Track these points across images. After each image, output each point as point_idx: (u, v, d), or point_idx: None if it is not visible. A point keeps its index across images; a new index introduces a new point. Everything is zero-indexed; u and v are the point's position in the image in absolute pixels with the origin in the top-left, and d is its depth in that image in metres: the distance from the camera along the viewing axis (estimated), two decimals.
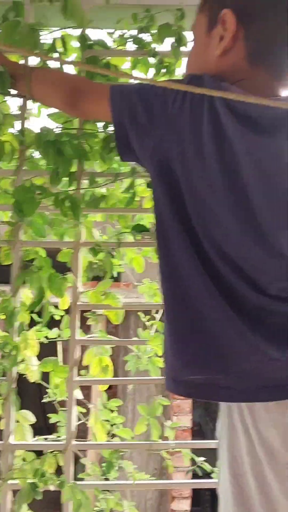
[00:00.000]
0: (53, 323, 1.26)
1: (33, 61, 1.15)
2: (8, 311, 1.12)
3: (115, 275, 1.24)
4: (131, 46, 1.23)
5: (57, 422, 1.25)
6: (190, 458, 1.31)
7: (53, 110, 1.16)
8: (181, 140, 0.74)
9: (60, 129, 1.16)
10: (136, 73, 1.24)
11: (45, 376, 1.23)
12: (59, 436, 1.21)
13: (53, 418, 1.26)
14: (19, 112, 1.19)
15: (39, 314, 1.17)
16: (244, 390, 0.71)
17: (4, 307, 1.12)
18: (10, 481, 1.11)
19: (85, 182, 1.20)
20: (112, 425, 1.25)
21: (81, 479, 1.23)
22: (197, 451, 1.30)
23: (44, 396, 1.27)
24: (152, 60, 1.22)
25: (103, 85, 0.94)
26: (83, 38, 1.17)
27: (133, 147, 0.81)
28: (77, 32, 1.19)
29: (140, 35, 1.20)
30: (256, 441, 0.71)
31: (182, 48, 1.18)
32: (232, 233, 0.73)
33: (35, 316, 1.20)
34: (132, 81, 1.17)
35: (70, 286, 1.17)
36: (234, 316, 0.71)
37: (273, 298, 0.72)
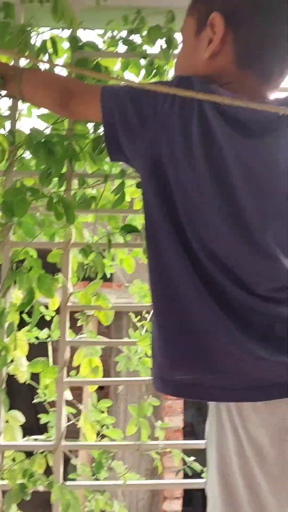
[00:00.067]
0: (44, 324, 1.26)
1: (24, 62, 1.15)
2: None
3: (107, 275, 1.24)
4: (122, 48, 1.24)
5: (48, 422, 1.25)
6: (181, 458, 1.31)
7: (43, 110, 1.16)
8: (171, 141, 0.75)
9: (50, 129, 1.16)
10: (127, 74, 1.24)
11: (37, 376, 1.23)
12: (49, 437, 1.21)
13: (43, 418, 1.26)
14: (9, 112, 1.19)
15: (30, 314, 1.17)
16: (232, 389, 0.71)
17: None
18: None
19: (75, 183, 1.20)
20: (102, 426, 1.25)
21: (72, 480, 1.23)
22: (190, 452, 1.30)
23: (35, 396, 1.27)
24: (143, 61, 1.22)
25: (94, 86, 0.94)
26: (73, 39, 1.17)
27: (123, 148, 0.81)
28: (68, 33, 1.19)
29: (131, 37, 1.20)
30: (245, 441, 0.72)
31: (172, 50, 1.18)
32: (220, 234, 0.74)
33: (25, 317, 1.20)
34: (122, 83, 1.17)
35: (60, 286, 1.17)
36: (223, 316, 0.71)
37: (262, 298, 0.73)
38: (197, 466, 1.28)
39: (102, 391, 4.28)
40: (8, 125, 1.19)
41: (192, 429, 4.53)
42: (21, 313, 1.17)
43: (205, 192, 0.74)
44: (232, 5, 0.76)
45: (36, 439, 1.21)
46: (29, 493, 1.08)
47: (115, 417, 1.28)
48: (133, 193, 1.24)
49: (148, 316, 1.32)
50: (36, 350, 1.31)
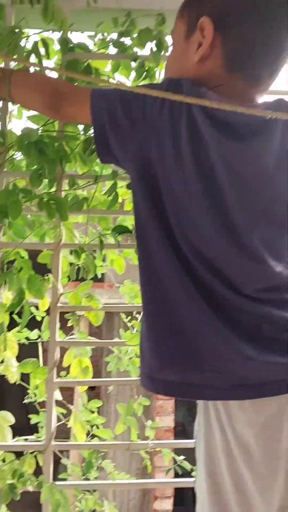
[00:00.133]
0: (36, 324, 1.27)
1: (14, 63, 1.15)
2: None
3: (98, 276, 1.25)
4: (112, 50, 1.24)
5: (38, 422, 1.25)
6: (172, 457, 1.32)
7: (33, 112, 1.16)
8: (160, 144, 0.76)
9: (41, 131, 1.16)
10: (117, 76, 1.25)
11: (28, 377, 1.23)
12: (39, 437, 1.21)
13: (34, 418, 1.26)
14: (0, 114, 1.19)
15: (20, 315, 1.17)
16: (220, 388, 0.72)
17: None
18: None
19: (67, 185, 1.21)
20: (92, 426, 1.26)
21: (63, 480, 1.24)
22: (180, 451, 1.31)
23: (25, 397, 1.27)
24: (133, 63, 1.23)
25: (84, 89, 0.95)
26: (64, 41, 1.17)
27: (113, 150, 0.82)
28: (59, 35, 1.19)
29: (121, 39, 1.21)
30: (232, 440, 0.73)
31: (162, 53, 1.19)
32: (208, 235, 0.75)
33: (16, 317, 1.20)
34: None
35: (51, 287, 1.17)
36: (212, 316, 0.72)
37: (249, 298, 0.74)
38: (188, 465, 1.29)
39: (94, 391, 4.28)
40: None
41: (183, 429, 4.55)
42: (11, 313, 1.17)
43: (193, 195, 0.74)
44: (221, 10, 0.77)
45: (26, 439, 1.21)
46: (18, 494, 1.08)
47: (106, 417, 1.29)
48: (123, 194, 1.25)
49: (139, 317, 1.33)
50: (27, 351, 1.31)
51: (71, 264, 1.23)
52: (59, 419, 1.24)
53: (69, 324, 1.26)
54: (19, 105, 1.20)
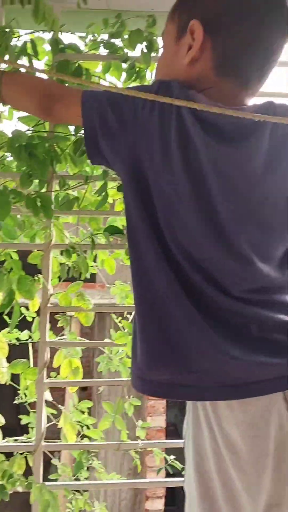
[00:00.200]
0: (26, 325, 1.27)
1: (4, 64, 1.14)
2: None
3: (88, 276, 1.25)
4: (103, 50, 1.24)
5: (29, 423, 1.25)
6: (163, 457, 1.33)
7: (24, 113, 1.16)
8: (150, 145, 0.76)
9: (31, 131, 1.16)
10: (108, 77, 1.25)
11: (18, 377, 1.23)
12: (29, 438, 1.21)
13: (24, 419, 1.26)
14: None
15: (10, 315, 1.17)
16: (206, 389, 0.73)
17: None
18: None
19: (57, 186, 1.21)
20: (82, 426, 1.26)
21: (54, 480, 1.24)
22: (172, 451, 1.31)
23: (16, 397, 1.27)
24: (124, 64, 1.23)
25: (75, 90, 0.94)
26: (54, 42, 1.17)
27: (103, 152, 0.82)
28: (50, 35, 1.19)
29: (112, 40, 1.21)
30: (220, 439, 0.74)
31: (153, 54, 1.19)
32: (197, 237, 0.75)
33: (6, 318, 1.20)
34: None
35: (41, 288, 1.17)
36: (199, 317, 0.73)
37: (238, 299, 0.75)
38: (179, 465, 1.29)
39: (86, 392, 4.28)
40: None
41: (175, 429, 4.56)
42: (1, 314, 1.17)
43: (182, 197, 0.75)
44: (211, 13, 0.78)
45: (16, 440, 1.21)
46: (8, 494, 1.08)
47: (98, 418, 1.29)
48: (114, 194, 1.25)
49: (130, 317, 1.33)
50: (18, 351, 1.31)
51: (61, 264, 1.23)
52: (50, 420, 1.24)
53: (59, 324, 1.26)
54: (9, 106, 1.20)
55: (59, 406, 1.28)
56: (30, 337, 1.27)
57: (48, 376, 1.22)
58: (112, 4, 1.21)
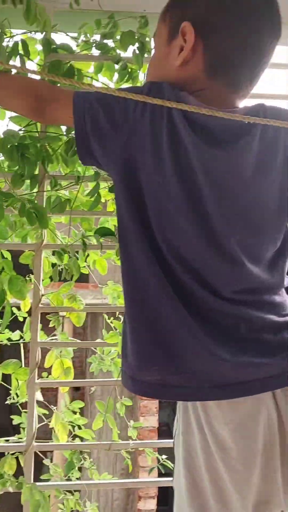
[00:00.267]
0: (17, 325, 1.27)
1: None
2: None
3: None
4: (95, 51, 1.24)
5: (21, 423, 1.25)
6: (155, 457, 1.33)
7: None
8: (142, 147, 0.76)
9: (23, 131, 1.16)
10: (100, 77, 1.25)
11: (10, 377, 1.23)
12: (20, 438, 1.21)
13: (16, 419, 1.26)
14: None
15: (1, 315, 1.17)
16: (197, 389, 0.74)
17: None
18: None
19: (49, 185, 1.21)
20: (74, 427, 1.26)
21: (46, 480, 1.24)
22: (164, 451, 1.32)
23: (8, 397, 1.27)
24: (116, 65, 1.23)
25: (67, 91, 0.94)
26: (46, 42, 1.17)
27: (94, 153, 0.82)
28: (41, 36, 1.19)
29: (104, 41, 1.21)
30: (209, 437, 0.74)
31: (145, 55, 1.20)
32: (188, 238, 0.76)
33: None
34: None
35: (32, 288, 1.17)
36: (190, 318, 0.73)
37: (228, 300, 0.75)
38: (171, 465, 1.30)
39: (78, 392, 4.27)
40: None
41: (168, 429, 4.56)
42: None
43: (173, 198, 0.75)
44: (203, 16, 0.78)
45: (7, 440, 1.21)
46: None
47: (91, 418, 1.29)
48: (106, 195, 1.25)
49: (122, 317, 1.33)
50: (9, 352, 1.31)
51: (53, 265, 1.23)
52: (42, 420, 1.24)
53: (50, 324, 1.26)
54: (0, 107, 1.20)
55: (51, 406, 1.28)
56: (21, 337, 1.27)
57: (40, 376, 1.21)
58: (105, 4, 1.20)
